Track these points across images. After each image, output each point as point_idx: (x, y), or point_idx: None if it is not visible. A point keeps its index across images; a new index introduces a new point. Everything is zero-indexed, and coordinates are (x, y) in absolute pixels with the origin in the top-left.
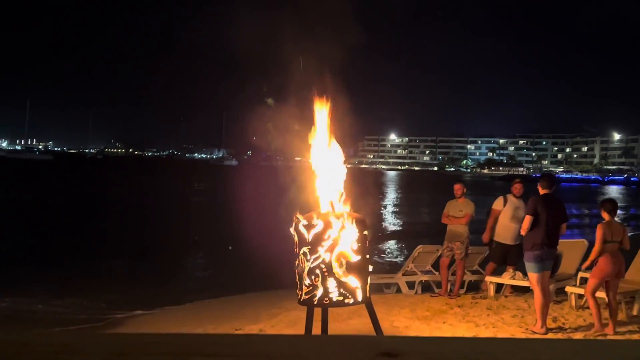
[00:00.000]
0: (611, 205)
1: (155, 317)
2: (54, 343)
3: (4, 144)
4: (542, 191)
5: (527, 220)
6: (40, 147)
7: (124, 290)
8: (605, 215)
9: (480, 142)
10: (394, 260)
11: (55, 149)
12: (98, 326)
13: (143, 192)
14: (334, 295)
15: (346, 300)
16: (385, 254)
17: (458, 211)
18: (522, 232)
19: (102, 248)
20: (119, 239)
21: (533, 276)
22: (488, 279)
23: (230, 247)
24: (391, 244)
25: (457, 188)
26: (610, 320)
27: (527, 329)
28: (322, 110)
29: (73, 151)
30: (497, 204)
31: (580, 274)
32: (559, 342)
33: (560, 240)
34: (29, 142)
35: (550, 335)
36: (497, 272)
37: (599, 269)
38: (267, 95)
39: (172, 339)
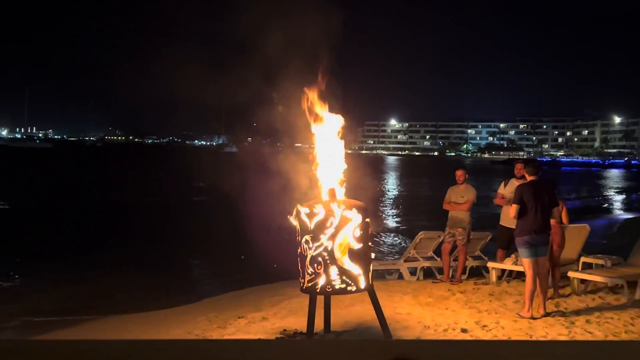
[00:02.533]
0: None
1: (155, 315)
2: (61, 351)
3: (4, 133)
4: (529, 178)
5: (513, 208)
6: (40, 135)
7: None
8: None
9: (480, 126)
10: (396, 246)
11: (55, 137)
12: (104, 322)
13: (145, 185)
14: (337, 282)
15: (349, 288)
16: (386, 241)
17: (459, 197)
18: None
19: (99, 250)
20: (114, 242)
21: (525, 261)
22: (490, 264)
23: (242, 257)
24: (392, 231)
25: (460, 174)
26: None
27: (517, 314)
28: (321, 97)
29: (73, 139)
30: (500, 188)
31: (582, 259)
32: (574, 343)
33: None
34: (29, 131)
35: (550, 320)
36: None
37: None
38: (271, 91)
39: (180, 344)
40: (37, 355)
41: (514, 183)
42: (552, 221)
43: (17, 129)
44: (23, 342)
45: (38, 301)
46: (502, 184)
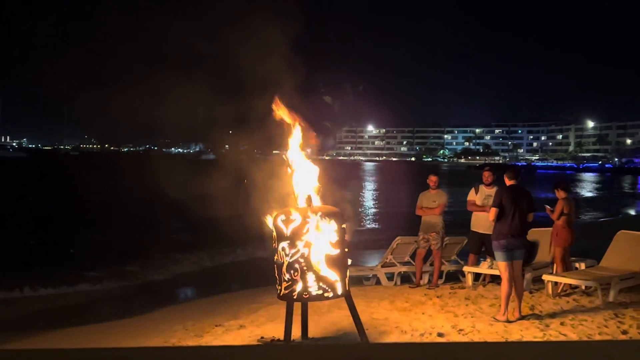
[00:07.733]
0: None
1: (130, 323)
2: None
3: None
4: (508, 182)
5: (492, 212)
6: (14, 144)
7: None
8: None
9: (456, 131)
10: (373, 252)
11: (30, 145)
12: (76, 331)
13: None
14: (314, 289)
15: (326, 294)
16: (363, 246)
17: (431, 202)
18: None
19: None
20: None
21: (501, 265)
22: (466, 269)
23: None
24: (369, 236)
25: (433, 179)
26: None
27: (492, 317)
28: (294, 106)
29: (48, 148)
30: (471, 194)
31: None
32: (535, 344)
33: (536, 229)
34: (2, 140)
35: (525, 323)
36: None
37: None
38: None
39: (153, 352)
40: None
41: (484, 190)
42: (560, 220)
43: None
44: (46, 352)
45: (4, 312)
46: (473, 191)
